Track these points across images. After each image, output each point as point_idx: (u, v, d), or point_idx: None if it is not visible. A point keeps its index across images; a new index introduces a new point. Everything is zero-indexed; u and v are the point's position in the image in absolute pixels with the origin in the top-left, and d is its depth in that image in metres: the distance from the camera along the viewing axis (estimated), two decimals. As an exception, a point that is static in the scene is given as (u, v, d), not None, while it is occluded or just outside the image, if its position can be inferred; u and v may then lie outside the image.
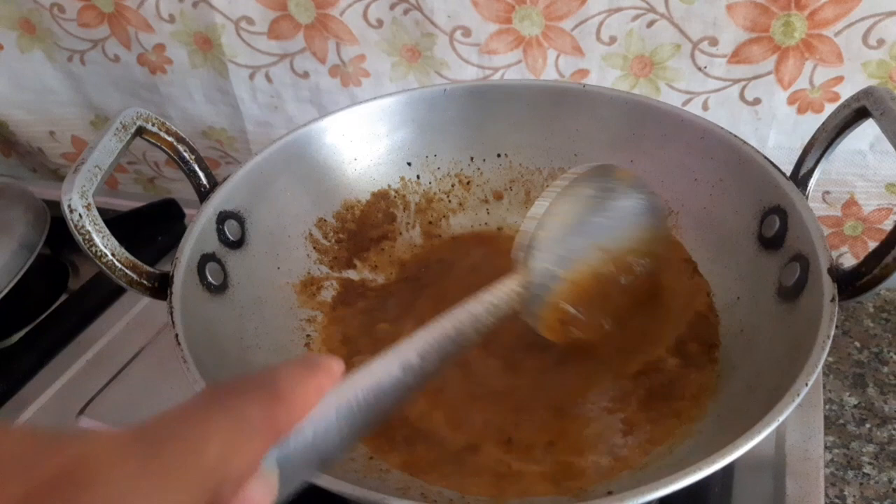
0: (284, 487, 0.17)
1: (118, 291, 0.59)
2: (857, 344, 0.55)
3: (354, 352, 0.45)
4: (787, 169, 0.42)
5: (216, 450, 0.15)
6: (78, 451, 0.15)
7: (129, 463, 0.15)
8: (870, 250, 0.34)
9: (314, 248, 0.49)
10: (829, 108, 0.48)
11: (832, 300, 0.34)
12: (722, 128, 0.45)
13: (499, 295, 0.32)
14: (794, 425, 0.45)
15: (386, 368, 0.23)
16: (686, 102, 0.56)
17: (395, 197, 0.53)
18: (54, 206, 0.46)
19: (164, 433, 0.16)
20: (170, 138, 0.45)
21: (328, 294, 0.48)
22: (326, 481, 0.29)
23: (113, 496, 0.14)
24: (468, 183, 0.54)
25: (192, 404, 0.17)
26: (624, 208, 0.38)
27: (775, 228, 0.41)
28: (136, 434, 0.16)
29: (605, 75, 0.56)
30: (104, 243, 0.38)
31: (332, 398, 0.19)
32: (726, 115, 0.55)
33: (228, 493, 0.16)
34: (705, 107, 0.56)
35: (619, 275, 0.39)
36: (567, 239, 0.36)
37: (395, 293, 0.49)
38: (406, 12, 0.57)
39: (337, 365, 0.20)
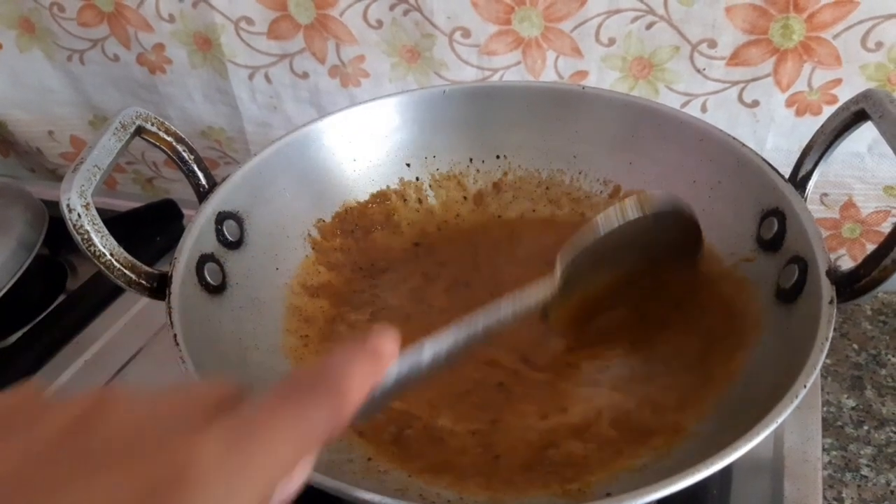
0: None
1: (116, 292, 0.59)
2: (855, 346, 0.55)
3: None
4: (786, 171, 0.42)
5: (288, 451, 0.17)
6: (184, 452, 0.15)
7: (220, 468, 0.15)
8: (868, 253, 0.34)
9: (313, 248, 0.49)
10: (828, 111, 0.49)
11: (830, 302, 0.34)
12: (720, 130, 0.45)
13: (530, 298, 0.35)
14: (792, 427, 0.45)
15: (417, 357, 0.26)
16: (685, 104, 0.56)
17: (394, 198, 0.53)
18: (53, 206, 0.46)
19: (243, 430, 0.16)
20: (169, 138, 0.44)
21: (326, 294, 0.48)
22: (324, 481, 0.29)
23: (208, 498, 0.15)
24: (467, 184, 0.54)
25: (268, 404, 0.17)
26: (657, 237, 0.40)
27: (774, 230, 0.41)
28: (225, 426, 0.16)
29: (604, 77, 0.56)
30: (103, 243, 0.38)
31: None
32: (725, 117, 0.55)
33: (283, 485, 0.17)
34: (704, 109, 0.56)
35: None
36: (600, 260, 0.38)
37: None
38: (406, 13, 0.57)
39: (391, 348, 0.21)
